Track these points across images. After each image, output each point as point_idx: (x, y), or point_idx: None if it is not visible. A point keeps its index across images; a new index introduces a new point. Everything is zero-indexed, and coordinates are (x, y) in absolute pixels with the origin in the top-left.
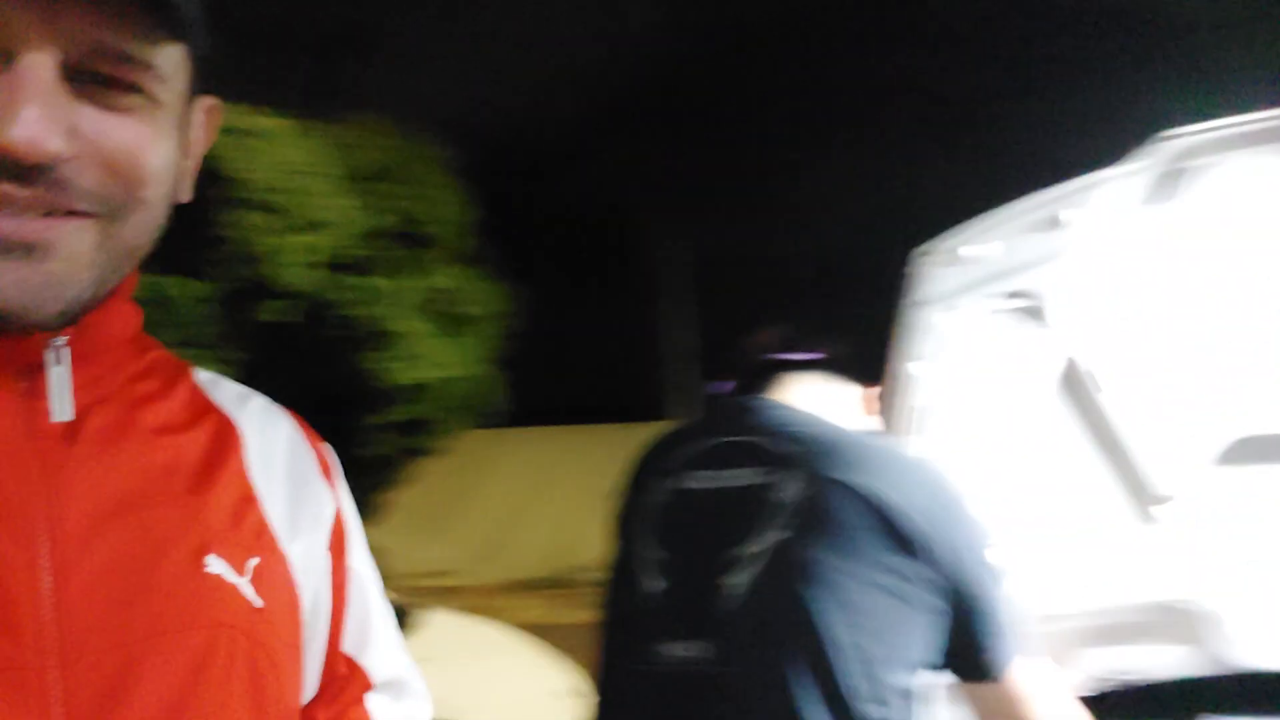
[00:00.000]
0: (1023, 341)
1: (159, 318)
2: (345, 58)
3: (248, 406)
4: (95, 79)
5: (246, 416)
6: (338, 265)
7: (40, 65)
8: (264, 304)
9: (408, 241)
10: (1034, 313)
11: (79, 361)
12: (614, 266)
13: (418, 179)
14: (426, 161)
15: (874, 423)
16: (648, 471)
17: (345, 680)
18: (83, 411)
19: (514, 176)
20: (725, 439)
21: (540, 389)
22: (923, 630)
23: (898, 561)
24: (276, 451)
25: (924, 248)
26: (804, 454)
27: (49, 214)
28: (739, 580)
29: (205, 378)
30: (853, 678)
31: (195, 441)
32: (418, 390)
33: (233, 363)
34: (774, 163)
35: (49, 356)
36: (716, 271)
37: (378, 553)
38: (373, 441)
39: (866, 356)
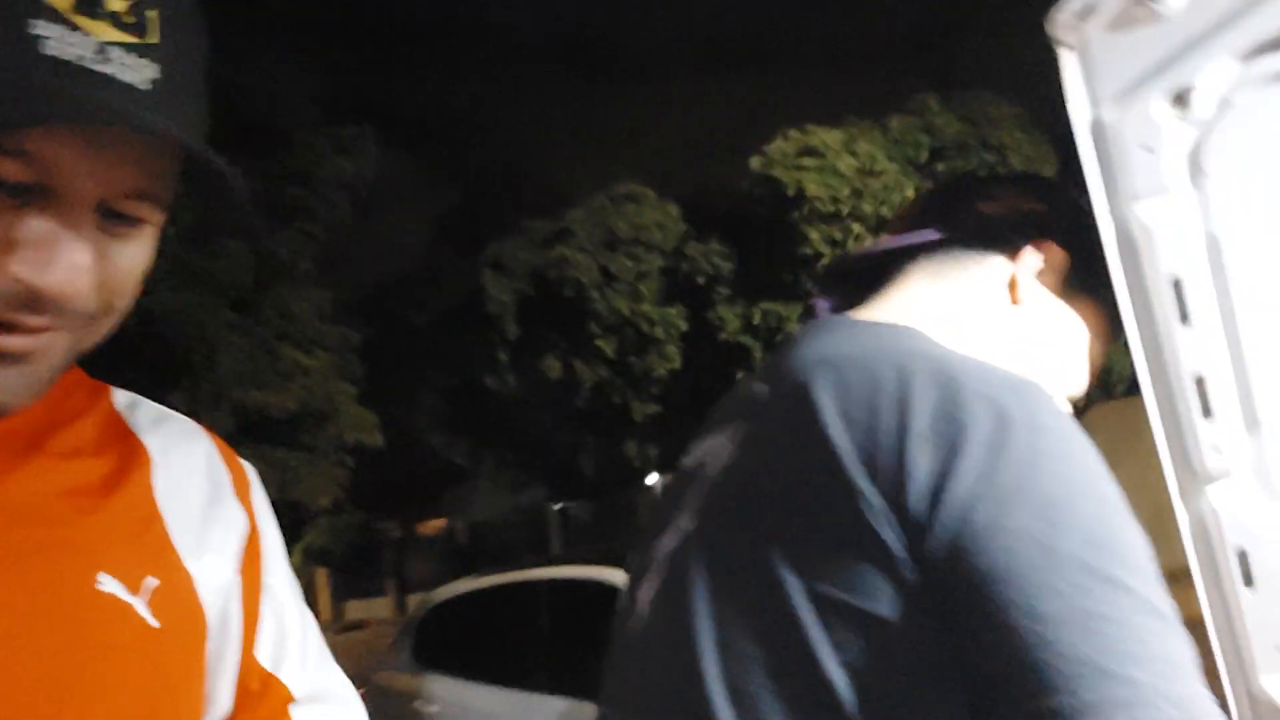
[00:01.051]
0: None
1: (778, 340)
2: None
3: (162, 428)
4: (117, 215)
5: (159, 438)
6: None
7: (85, 209)
8: None
9: None
10: None
11: None
12: None
13: (987, 146)
14: (1001, 124)
15: (1053, 320)
16: None
17: (259, 696)
18: None
19: None
20: (734, 394)
21: None
22: (908, 672)
23: (859, 557)
24: (188, 471)
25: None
26: (762, 395)
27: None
28: (638, 610)
29: (124, 400)
30: None
31: (100, 464)
32: None
33: None
34: None
35: None
36: None
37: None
38: None
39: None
